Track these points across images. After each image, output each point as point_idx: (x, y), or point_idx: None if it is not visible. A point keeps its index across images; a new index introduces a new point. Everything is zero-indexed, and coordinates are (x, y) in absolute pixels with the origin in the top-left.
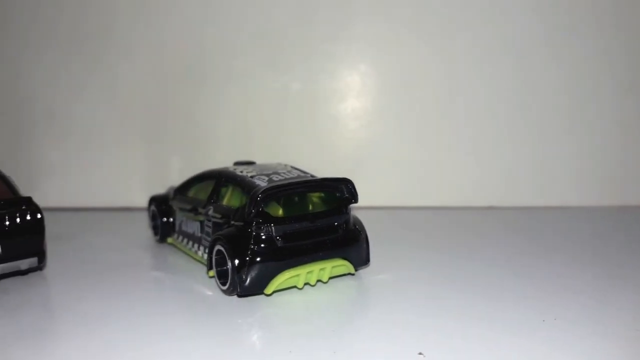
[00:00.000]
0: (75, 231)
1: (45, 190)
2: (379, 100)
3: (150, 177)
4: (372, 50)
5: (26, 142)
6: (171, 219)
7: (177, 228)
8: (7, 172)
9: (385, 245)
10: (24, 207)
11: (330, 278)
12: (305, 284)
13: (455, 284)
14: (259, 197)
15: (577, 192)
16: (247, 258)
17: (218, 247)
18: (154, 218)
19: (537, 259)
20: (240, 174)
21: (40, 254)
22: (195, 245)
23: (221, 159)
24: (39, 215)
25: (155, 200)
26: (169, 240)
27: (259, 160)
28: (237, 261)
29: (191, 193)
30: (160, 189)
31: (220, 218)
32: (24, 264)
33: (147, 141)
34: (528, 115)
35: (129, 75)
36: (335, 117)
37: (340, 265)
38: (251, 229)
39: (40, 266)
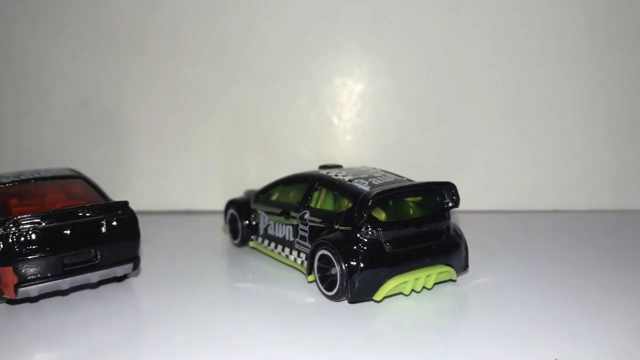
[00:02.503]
0: (146, 235)
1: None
2: (442, 102)
3: (215, 180)
4: (438, 53)
5: (88, 144)
6: (253, 223)
7: (261, 232)
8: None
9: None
10: (120, 212)
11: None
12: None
13: (557, 288)
14: (370, 201)
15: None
16: (359, 263)
17: (323, 252)
18: (232, 221)
19: (626, 263)
20: (337, 177)
21: (136, 260)
22: (286, 250)
23: (290, 161)
24: (134, 221)
25: (234, 204)
26: (251, 244)
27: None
28: (348, 267)
29: (275, 196)
30: (227, 191)
31: (321, 222)
32: (120, 270)
33: (211, 144)
34: (594, 118)
35: (193, 76)
36: (400, 119)
37: (445, 271)
38: (360, 234)
39: (135, 272)
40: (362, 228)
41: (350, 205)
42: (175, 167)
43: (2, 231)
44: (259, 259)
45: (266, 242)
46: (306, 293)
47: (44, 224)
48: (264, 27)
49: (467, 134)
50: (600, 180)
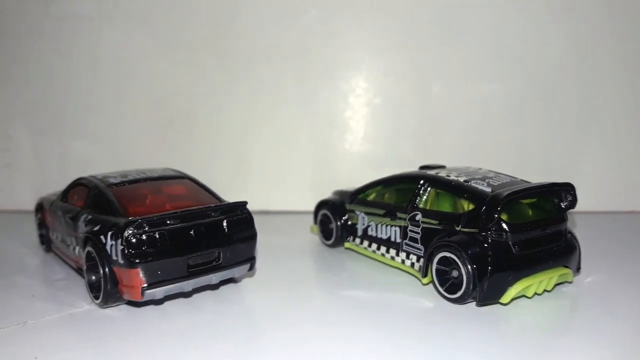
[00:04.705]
0: None
1: None
2: (519, 102)
3: (290, 180)
4: (518, 53)
5: (162, 144)
6: (349, 223)
7: (359, 233)
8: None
9: None
10: (239, 213)
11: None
12: None
13: None
14: (501, 202)
15: None
16: (488, 266)
17: (445, 254)
18: (323, 222)
19: None
20: (451, 178)
21: (252, 261)
22: (392, 251)
23: (366, 161)
24: (252, 221)
25: (327, 204)
26: (347, 244)
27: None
28: (477, 269)
29: (374, 197)
30: (302, 191)
31: (438, 224)
32: (239, 270)
33: (286, 144)
34: None
35: (269, 76)
36: (475, 119)
37: (565, 273)
38: (488, 236)
39: (250, 273)
40: (489, 230)
41: (471, 206)
42: (250, 167)
43: (129, 232)
44: (357, 261)
45: (366, 243)
46: (422, 297)
47: (171, 224)
48: (339, 25)
49: (546, 135)
50: None
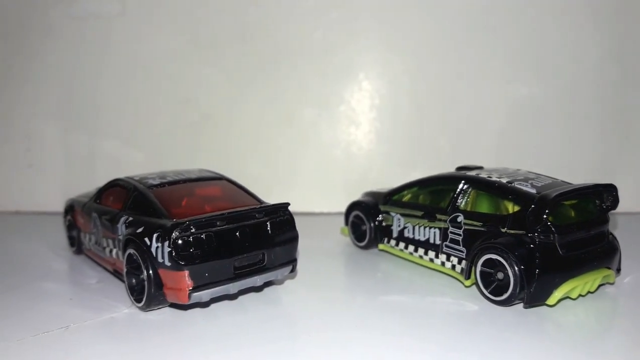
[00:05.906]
0: None
1: None
2: (543, 104)
3: (309, 182)
4: (553, 54)
5: (185, 145)
6: (383, 224)
7: (395, 234)
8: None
9: None
10: (281, 214)
11: None
12: None
13: None
14: (550, 204)
15: None
16: (535, 268)
17: (491, 256)
18: (356, 224)
19: None
20: (494, 179)
21: (294, 262)
22: (431, 253)
23: (390, 162)
24: (293, 222)
25: (360, 206)
26: (381, 246)
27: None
28: (525, 271)
29: (409, 198)
30: (320, 193)
31: (481, 225)
32: (281, 272)
33: (306, 146)
34: None
35: (292, 77)
36: (511, 124)
37: (608, 274)
38: (535, 238)
39: (291, 275)
40: (536, 231)
41: (515, 208)
42: (270, 170)
43: (176, 234)
44: (392, 263)
45: (402, 244)
46: (465, 300)
47: (218, 226)
48: (363, 26)
49: (567, 135)
50: None
